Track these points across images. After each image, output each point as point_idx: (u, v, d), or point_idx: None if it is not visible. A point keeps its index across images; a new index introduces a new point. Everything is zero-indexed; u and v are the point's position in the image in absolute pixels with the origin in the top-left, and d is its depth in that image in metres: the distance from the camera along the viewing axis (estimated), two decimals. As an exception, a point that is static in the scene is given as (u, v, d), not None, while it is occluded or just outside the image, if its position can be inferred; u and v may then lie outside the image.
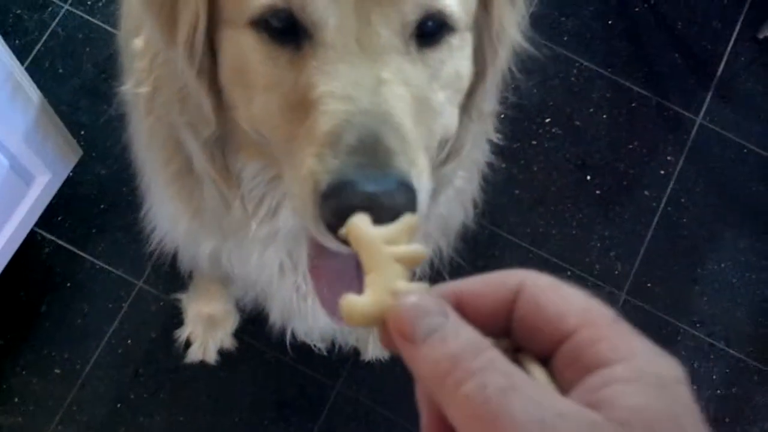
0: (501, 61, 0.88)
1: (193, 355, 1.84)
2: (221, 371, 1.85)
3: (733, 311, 2.04)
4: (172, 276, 1.90)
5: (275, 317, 1.33)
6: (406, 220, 0.53)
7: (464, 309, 0.49)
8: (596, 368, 0.47)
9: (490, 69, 0.87)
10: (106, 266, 1.91)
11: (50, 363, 1.84)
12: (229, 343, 1.85)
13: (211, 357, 1.84)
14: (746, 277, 2.06)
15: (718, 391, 1.98)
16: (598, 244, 2.03)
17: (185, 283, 1.81)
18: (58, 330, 1.87)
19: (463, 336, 0.46)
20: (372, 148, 0.67)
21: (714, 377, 1.99)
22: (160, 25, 0.81)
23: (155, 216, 1.28)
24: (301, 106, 0.72)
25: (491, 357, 0.45)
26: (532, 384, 0.45)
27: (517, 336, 0.50)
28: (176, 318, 1.86)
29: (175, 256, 1.43)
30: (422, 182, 0.70)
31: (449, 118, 0.82)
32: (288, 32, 0.74)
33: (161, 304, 1.90)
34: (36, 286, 1.89)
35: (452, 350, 0.45)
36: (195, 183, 0.98)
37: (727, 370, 2.00)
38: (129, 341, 1.87)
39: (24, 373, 1.84)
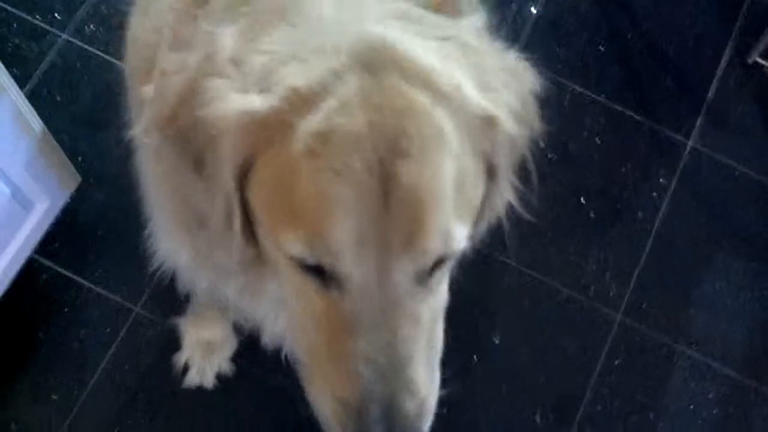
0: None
1: (191, 380, 1.84)
2: (219, 397, 1.85)
3: (728, 331, 2.05)
4: (170, 301, 1.91)
5: (269, 343, 1.35)
6: None
7: None
8: None
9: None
10: (104, 292, 1.91)
11: (47, 389, 1.84)
12: (226, 367, 1.85)
13: (209, 382, 1.84)
14: (740, 297, 2.07)
15: (715, 411, 1.99)
16: (594, 267, 2.05)
17: (183, 307, 1.81)
18: (55, 356, 1.86)
19: None
20: (392, 417, 0.81)
21: (710, 397, 1.99)
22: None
23: (157, 242, 1.29)
24: (329, 331, 0.83)
25: None
26: None
27: None
28: (174, 343, 1.85)
29: (173, 280, 1.44)
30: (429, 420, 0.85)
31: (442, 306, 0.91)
32: (318, 269, 0.81)
33: (158, 329, 1.90)
34: (33, 313, 1.89)
35: None
36: (201, 235, 0.98)
37: (724, 390, 2.00)
38: (126, 367, 1.87)
39: (21, 399, 1.83)
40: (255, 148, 0.80)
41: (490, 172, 0.87)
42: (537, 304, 1.99)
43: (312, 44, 0.79)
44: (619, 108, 2.16)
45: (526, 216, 0.97)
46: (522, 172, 0.95)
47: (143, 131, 0.94)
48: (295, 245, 0.79)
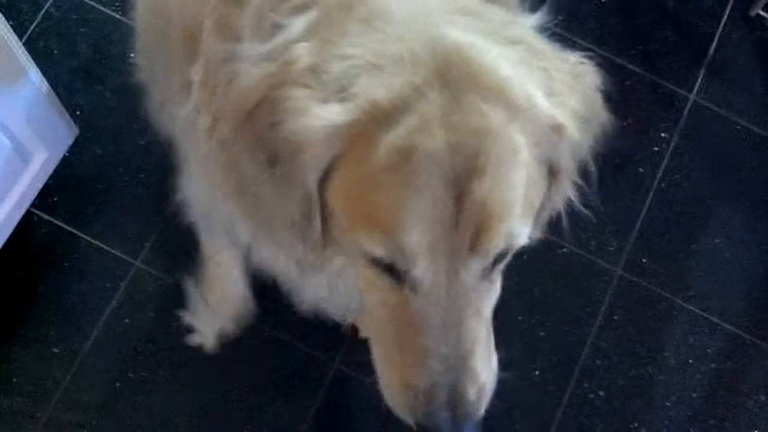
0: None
1: (194, 340, 1.83)
2: (220, 349, 1.85)
3: (727, 285, 2.05)
4: (170, 255, 1.91)
5: (308, 311, 1.37)
6: None
7: None
8: None
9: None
10: (103, 246, 1.90)
11: (48, 343, 1.84)
12: (231, 330, 1.81)
13: (212, 345, 1.81)
14: (740, 251, 2.08)
15: (713, 365, 2.00)
16: (593, 221, 2.04)
17: (186, 262, 1.80)
18: (55, 310, 1.86)
19: None
20: (456, 402, 0.90)
21: (709, 351, 2.00)
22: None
23: (189, 188, 1.30)
24: (400, 324, 0.90)
25: None
26: None
27: None
28: (176, 297, 1.84)
29: (178, 232, 1.42)
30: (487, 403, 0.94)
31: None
32: (391, 268, 0.87)
33: (159, 283, 1.90)
34: (32, 267, 1.89)
35: None
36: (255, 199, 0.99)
37: (722, 344, 2.01)
38: (127, 320, 1.87)
39: (22, 352, 1.84)
40: (336, 157, 0.84)
41: (552, 173, 0.91)
42: (536, 259, 1.99)
43: (389, 51, 0.82)
44: (620, 61, 2.14)
45: (584, 211, 1.03)
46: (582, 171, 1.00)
47: (194, 111, 1.01)
48: (372, 246, 0.85)
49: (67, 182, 1.92)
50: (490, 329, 0.95)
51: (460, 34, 0.83)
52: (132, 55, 1.64)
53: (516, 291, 1.94)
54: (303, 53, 0.84)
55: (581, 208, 1.02)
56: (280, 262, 1.19)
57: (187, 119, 1.06)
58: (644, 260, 2.04)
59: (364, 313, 0.99)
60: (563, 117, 0.87)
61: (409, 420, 0.94)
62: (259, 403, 1.83)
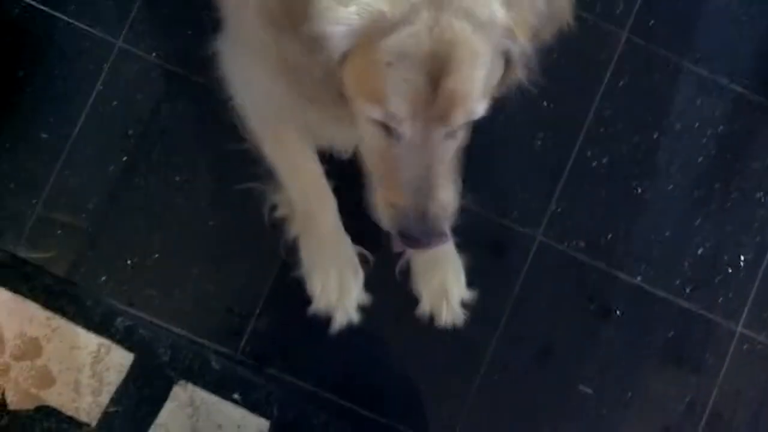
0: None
1: (339, 323, 1.71)
2: (212, 126, 1.79)
3: (737, 46, 1.97)
4: (152, 33, 1.82)
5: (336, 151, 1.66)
6: None
7: None
8: None
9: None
10: (82, 26, 1.81)
11: (35, 128, 1.78)
12: (363, 297, 1.73)
13: (355, 317, 1.72)
14: (753, 10, 1.98)
15: (721, 128, 1.96)
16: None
17: (171, 46, 1.69)
18: (39, 94, 1.79)
19: None
20: (425, 215, 1.26)
21: (716, 113, 1.95)
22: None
23: (241, 90, 1.62)
24: (388, 161, 1.26)
25: None
26: None
27: None
28: (158, 80, 1.78)
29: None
30: (450, 222, 1.31)
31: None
32: (383, 124, 1.22)
33: (143, 63, 1.81)
34: (9, 51, 1.80)
35: None
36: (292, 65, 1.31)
37: (730, 107, 1.96)
38: (114, 103, 1.81)
39: (8, 141, 1.78)
40: (350, 48, 1.16)
41: (507, 61, 1.22)
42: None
43: None
44: None
45: (532, 89, 1.29)
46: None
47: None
48: (371, 110, 1.20)
49: (37, -44, 1.79)
50: (452, 169, 1.29)
51: None
52: None
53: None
54: None
55: (531, 87, 1.29)
56: (315, 119, 1.53)
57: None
58: (652, 22, 1.95)
59: (363, 153, 1.34)
60: (516, 24, 1.16)
61: (392, 229, 1.31)
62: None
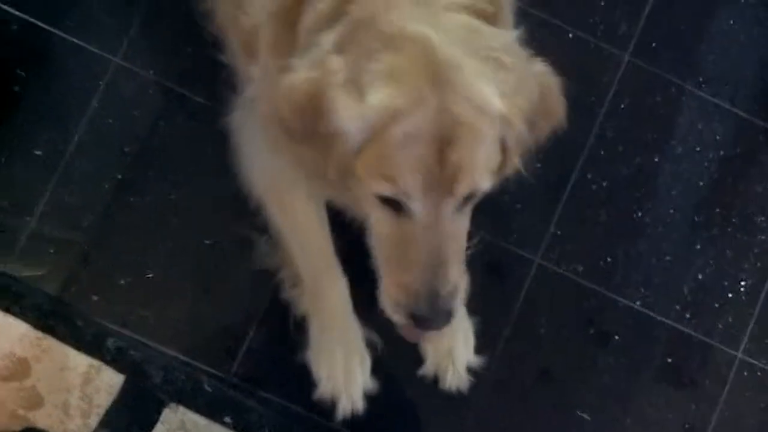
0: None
1: (343, 412, 1.69)
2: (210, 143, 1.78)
3: (740, 70, 1.97)
4: (150, 51, 1.81)
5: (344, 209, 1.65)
6: None
7: None
8: None
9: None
10: (79, 42, 1.80)
11: (31, 144, 1.77)
12: (370, 383, 1.71)
13: (361, 405, 1.70)
14: (755, 33, 1.97)
15: (722, 152, 1.94)
16: (602, 3, 1.92)
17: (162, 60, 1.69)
18: (34, 110, 1.78)
19: None
20: (434, 296, 1.28)
21: (718, 138, 1.94)
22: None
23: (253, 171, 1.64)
24: (397, 242, 1.28)
25: None
26: None
27: None
28: (155, 98, 1.76)
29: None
30: (460, 301, 1.34)
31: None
32: (393, 203, 1.25)
33: (141, 80, 1.80)
34: (6, 66, 1.78)
35: None
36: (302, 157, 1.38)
37: (732, 131, 1.95)
38: (110, 120, 1.79)
39: (3, 156, 1.77)
40: (365, 140, 1.21)
41: (504, 149, 1.27)
42: (543, 47, 1.88)
43: (402, 66, 1.19)
44: None
45: (529, 178, 1.38)
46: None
47: (252, 96, 1.52)
48: (384, 189, 1.23)
49: (34, -27, 1.78)
50: (462, 250, 1.32)
51: (450, 53, 1.19)
52: None
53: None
54: (340, 66, 1.20)
55: (528, 176, 1.37)
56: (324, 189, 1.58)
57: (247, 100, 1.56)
58: (654, 44, 1.94)
59: (372, 241, 1.36)
60: (511, 113, 1.23)
61: (402, 317, 1.32)
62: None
